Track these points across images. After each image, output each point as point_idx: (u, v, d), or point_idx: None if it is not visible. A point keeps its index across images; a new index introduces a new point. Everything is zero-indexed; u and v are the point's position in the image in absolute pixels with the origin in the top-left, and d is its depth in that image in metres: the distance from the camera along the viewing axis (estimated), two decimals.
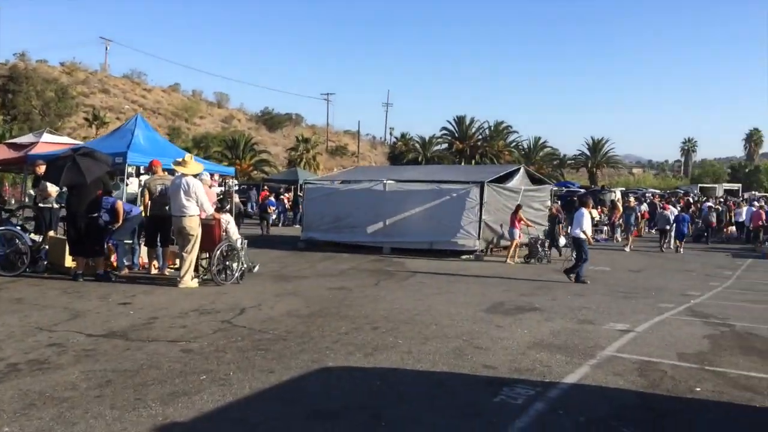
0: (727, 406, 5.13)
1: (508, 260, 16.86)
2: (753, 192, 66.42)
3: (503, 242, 19.10)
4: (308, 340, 7.04)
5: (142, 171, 14.53)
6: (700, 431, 4.74)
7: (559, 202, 25.88)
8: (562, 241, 17.66)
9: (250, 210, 31.35)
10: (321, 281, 11.97)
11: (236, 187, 32.37)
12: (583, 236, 12.98)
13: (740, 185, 72.07)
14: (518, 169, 20.61)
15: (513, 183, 19.71)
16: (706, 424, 4.84)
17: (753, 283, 14.01)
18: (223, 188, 20.71)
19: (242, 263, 11.36)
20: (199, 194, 10.75)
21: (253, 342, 6.88)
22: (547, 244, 17.87)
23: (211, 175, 17.23)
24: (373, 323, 8.01)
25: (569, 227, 22.73)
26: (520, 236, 17.31)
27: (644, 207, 29.31)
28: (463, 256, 17.78)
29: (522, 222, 17.42)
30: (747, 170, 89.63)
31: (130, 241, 12.27)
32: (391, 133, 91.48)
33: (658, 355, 6.77)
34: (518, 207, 17.87)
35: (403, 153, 67.67)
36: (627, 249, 21.09)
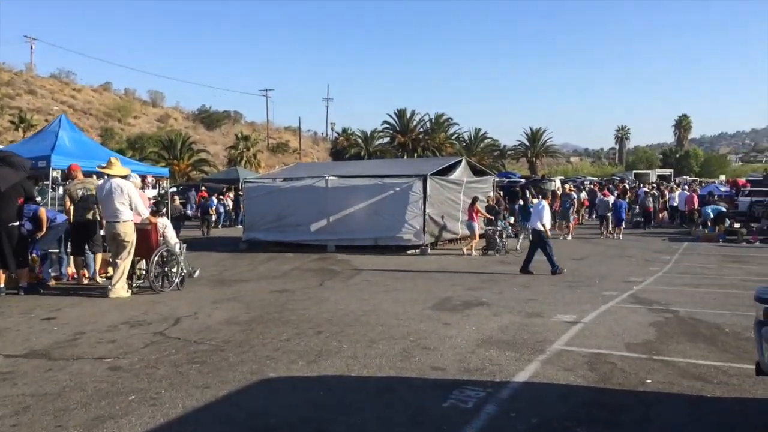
0: (679, 398, 5.05)
1: (465, 251, 16.95)
2: (684, 176, 69.00)
3: (448, 235, 19.08)
4: (248, 349, 6.66)
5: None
6: (655, 426, 4.60)
7: (501, 192, 26.05)
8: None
9: (189, 212, 30.40)
10: (263, 284, 11.53)
11: (173, 189, 31.41)
12: (543, 229, 13.00)
13: (672, 170, 74.82)
14: (460, 161, 20.57)
15: (455, 175, 19.66)
16: (660, 419, 4.72)
17: (690, 267, 14.29)
18: (157, 190, 19.90)
19: (182, 268, 10.87)
20: (133, 197, 10.21)
21: (187, 355, 6.46)
22: (505, 235, 18.04)
23: (143, 177, 16.51)
24: (316, 327, 7.68)
25: (512, 217, 23.12)
26: (480, 228, 17.60)
27: (583, 195, 29.82)
28: (409, 251, 17.64)
29: (479, 214, 17.59)
30: (677, 156, 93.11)
31: (57, 250, 11.56)
32: (332, 129, 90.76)
33: (607, 346, 6.69)
34: (475, 199, 17.99)
35: (345, 148, 67.18)
36: (568, 237, 21.32)
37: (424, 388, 5.38)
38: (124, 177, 10.63)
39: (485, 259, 15.89)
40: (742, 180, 33.29)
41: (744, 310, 8.51)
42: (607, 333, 7.30)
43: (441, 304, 9.25)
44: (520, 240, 18.44)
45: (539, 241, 13.04)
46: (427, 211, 17.65)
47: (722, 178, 72.97)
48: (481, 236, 17.71)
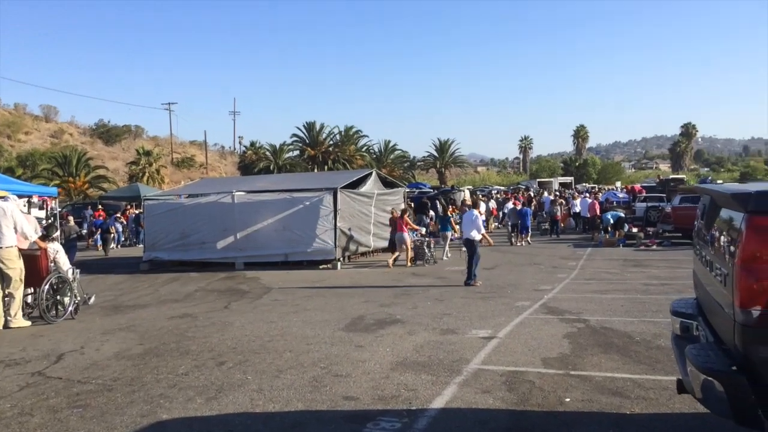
0: (599, 417, 4.87)
1: (391, 263, 16.92)
2: (584, 184, 72.14)
3: (360, 248, 18.75)
4: (139, 387, 6.00)
5: None
6: None
7: (411, 203, 26.01)
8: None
9: (84, 231, 28.52)
10: (162, 309, 10.72)
11: (66, 208, 29.42)
12: (478, 238, 12.86)
13: (572, 178, 78.05)
14: (370, 174, 20.34)
15: (366, 188, 19.40)
16: None
17: (596, 272, 14.61)
18: (45, 211, 18.44)
19: (75, 296, 9.98)
20: (18, 219, 9.30)
21: (69, 397, 5.73)
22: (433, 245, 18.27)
23: (29, 198, 15.22)
24: (218, 357, 7.08)
25: (423, 228, 23.09)
26: (411, 240, 17.62)
27: (492, 203, 30.36)
28: (321, 266, 17.20)
29: (409, 226, 17.66)
30: (577, 164, 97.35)
31: None
32: (240, 143, 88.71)
33: (524, 362, 6.50)
34: (404, 211, 18.20)
35: (253, 162, 65.72)
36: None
37: (336, 421, 4.96)
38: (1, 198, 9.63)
39: (398, 272, 15.65)
40: (638, 186, 34.96)
41: (650, 317, 8.66)
42: (522, 348, 7.13)
43: (354, 323, 8.84)
44: (446, 249, 18.65)
45: (470, 249, 12.91)
46: (338, 225, 17.29)
47: (618, 184, 76.95)
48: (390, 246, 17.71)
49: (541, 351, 6.97)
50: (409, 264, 17.00)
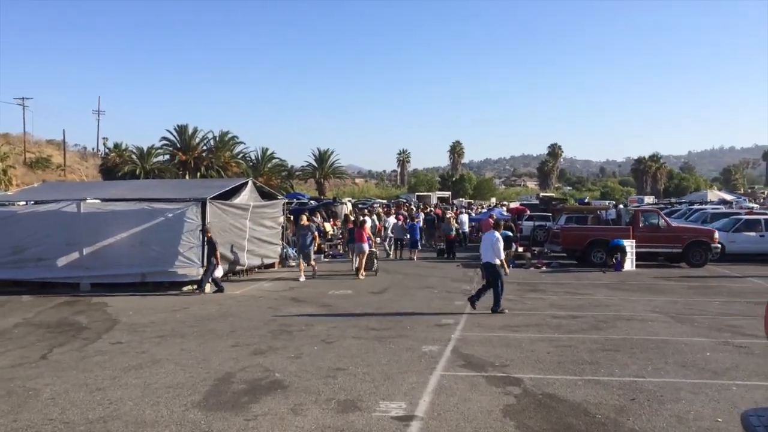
0: None
1: (361, 275, 17.03)
2: (461, 199, 73.23)
3: (233, 266, 16.55)
4: None
5: None
6: None
7: (291, 216, 24.03)
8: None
9: None
10: None
11: None
12: (498, 263, 11.52)
13: (450, 193, 79.17)
14: (245, 183, 18.13)
15: (240, 199, 17.21)
16: None
17: (492, 299, 13.40)
18: None
19: None
20: None
21: None
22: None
23: None
24: None
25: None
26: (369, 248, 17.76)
27: (374, 219, 28.93)
28: (185, 288, 14.87)
29: (368, 235, 17.95)
30: (454, 179, 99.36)
31: None
32: (104, 144, 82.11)
33: None
34: (363, 222, 18.49)
35: (117, 166, 60.59)
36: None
37: None
38: None
39: (276, 296, 13.64)
40: (519, 206, 34.92)
41: (591, 373, 7.27)
42: None
43: (216, 390, 6.58)
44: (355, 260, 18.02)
45: (493, 274, 11.50)
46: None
47: (493, 200, 78.99)
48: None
49: None
50: (361, 276, 17.02)
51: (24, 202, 17.42)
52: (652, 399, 6.24)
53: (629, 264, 19.27)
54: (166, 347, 8.61)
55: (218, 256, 14.55)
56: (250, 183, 18.35)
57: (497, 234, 11.94)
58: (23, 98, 73.82)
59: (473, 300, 11.70)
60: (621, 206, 28.53)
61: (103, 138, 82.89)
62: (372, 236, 19.25)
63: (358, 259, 17.60)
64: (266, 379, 6.97)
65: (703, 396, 6.36)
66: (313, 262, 16.97)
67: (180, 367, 7.50)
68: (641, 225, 20.27)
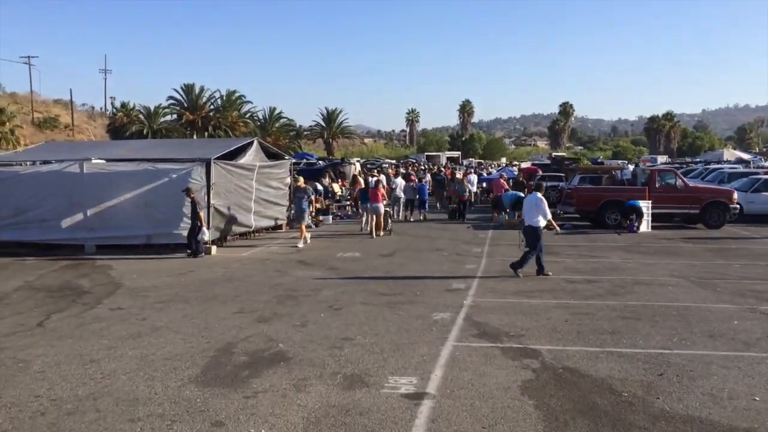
0: None
1: (375, 234, 17.36)
2: (470, 159, 72.45)
3: (239, 229, 16.24)
4: None
5: None
6: None
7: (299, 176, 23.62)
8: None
9: None
10: None
11: None
12: (542, 224, 11.20)
13: (460, 153, 78.34)
14: (251, 143, 17.66)
15: (246, 159, 16.78)
16: None
17: (505, 263, 12.87)
18: None
19: None
20: None
21: None
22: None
23: None
24: None
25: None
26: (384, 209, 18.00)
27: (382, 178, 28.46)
28: (189, 249, 14.58)
29: (383, 195, 18.11)
30: (463, 139, 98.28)
31: None
32: (112, 104, 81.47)
33: None
34: (378, 182, 18.55)
35: (125, 126, 60.13)
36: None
37: None
38: None
39: (282, 259, 13.35)
40: (531, 166, 34.18)
41: (613, 344, 6.82)
42: (472, 421, 4.83)
43: (216, 363, 6.18)
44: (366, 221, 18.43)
45: (535, 238, 11.16)
46: (212, 202, 14.70)
47: (503, 160, 78.13)
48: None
49: (502, 428, 4.73)
50: (376, 234, 17.31)
51: (30, 162, 17.08)
52: (682, 374, 5.83)
53: (645, 225, 18.79)
54: (168, 314, 8.30)
55: (202, 218, 13.96)
56: (255, 143, 17.89)
57: (539, 194, 11.56)
58: (29, 57, 72.96)
59: (516, 266, 11.32)
60: (636, 166, 27.89)
61: (111, 97, 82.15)
62: (386, 196, 19.14)
63: (373, 218, 17.71)
64: (269, 350, 6.62)
65: (736, 370, 5.94)
66: (304, 228, 15.98)
67: (180, 335, 7.18)
68: (657, 185, 19.72)
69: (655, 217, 19.10)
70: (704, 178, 26.95)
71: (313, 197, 17.19)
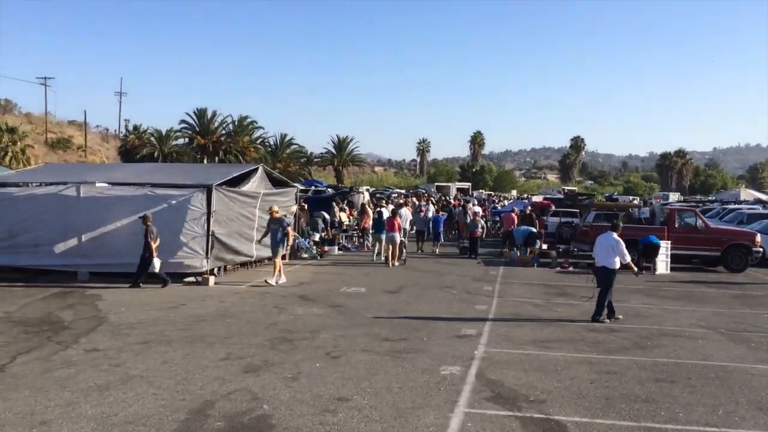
0: None
1: (392, 264, 17.73)
2: (480, 191, 71.77)
3: (240, 258, 15.54)
4: None
5: None
6: None
7: (306, 204, 22.98)
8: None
9: None
10: None
11: None
12: (617, 267, 10.70)
13: (470, 184, 77.68)
14: (256, 170, 17.02)
15: (249, 186, 16.14)
16: None
17: (519, 304, 12.24)
18: None
19: None
20: None
21: None
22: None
23: None
24: None
25: (315, 233, 20.28)
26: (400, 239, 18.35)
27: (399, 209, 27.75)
28: (187, 278, 13.94)
29: (399, 225, 18.49)
30: (474, 170, 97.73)
31: None
32: (126, 126, 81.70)
33: None
34: (395, 212, 19.52)
35: (136, 148, 59.91)
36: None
37: None
38: None
39: (282, 292, 12.60)
40: (544, 200, 33.23)
41: (650, 418, 5.89)
42: None
43: (186, 431, 5.33)
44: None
45: (605, 280, 10.57)
46: (213, 230, 14.04)
47: (514, 192, 77.39)
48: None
49: None
50: (394, 264, 17.65)
51: (37, 183, 16.52)
52: None
53: (663, 267, 17.95)
54: (146, 358, 7.51)
55: (153, 249, 13.10)
56: (260, 169, 17.27)
57: (615, 236, 10.88)
58: (45, 78, 73.57)
59: (611, 314, 10.76)
60: (654, 203, 27.06)
61: (125, 120, 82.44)
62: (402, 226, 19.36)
63: (389, 248, 17.93)
64: (251, 414, 5.74)
65: None
66: (279, 263, 14.20)
67: (153, 389, 6.34)
68: (677, 225, 18.90)
69: (673, 258, 18.26)
70: (722, 218, 26.09)
71: (288, 229, 14.54)
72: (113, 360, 7.36)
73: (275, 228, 14.27)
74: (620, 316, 10.78)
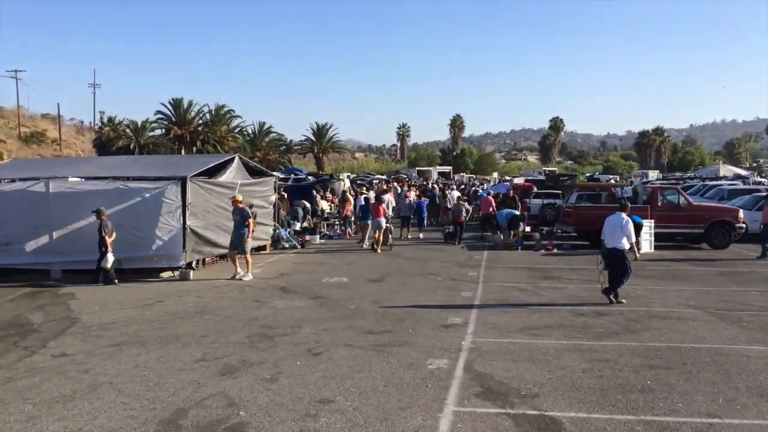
0: None
1: (380, 249, 17.94)
2: (461, 174, 71.59)
3: (217, 251, 15.13)
4: None
5: None
6: None
7: (285, 193, 22.62)
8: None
9: None
10: None
11: None
12: (627, 247, 10.38)
13: (451, 168, 77.46)
14: (232, 159, 16.57)
15: (226, 176, 15.72)
16: None
17: (505, 289, 12.00)
18: None
19: None
20: None
21: None
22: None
23: None
24: None
25: (296, 222, 20.01)
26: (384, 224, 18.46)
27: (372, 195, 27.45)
28: (163, 274, 13.57)
29: (384, 210, 18.68)
30: (454, 153, 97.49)
31: None
32: (101, 118, 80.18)
33: None
34: (380, 200, 19.19)
35: (111, 140, 58.81)
36: (365, 244, 18.85)
37: None
38: None
39: (264, 284, 12.25)
40: (526, 182, 33.00)
41: (649, 410, 5.58)
42: None
43: None
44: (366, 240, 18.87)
45: (620, 262, 10.32)
46: (189, 223, 13.64)
47: (495, 175, 77.34)
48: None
49: None
50: (380, 249, 17.85)
51: (6, 180, 15.94)
52: None
53: (647, 246, 17.82)
54: (117, 362, 7.11)
55: (108, 243, 12.72)
56: (237, 159, 16.82)
57: (625, 215, 10.65)
58: (16, 71, 71.79)
59: (609, 292, 10.49)
60: (635, 181, 27.01)
61: (100, 111, 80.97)
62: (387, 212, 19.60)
63: (375, 234, 18.19)
64: (226, 422, 5.35)
65: None
66: (248, 258, 13.54)
67: (122, 397, 5.94)
68: (660, 203, 18.80)
69: (657, 237, 18.16)
70: (703, 195, 26.10)
71: (250, 220, 13.63)
72: (82, 365, 6.96)
73: (237, 219, 13.57)
74: (623, 301, 10.54)
